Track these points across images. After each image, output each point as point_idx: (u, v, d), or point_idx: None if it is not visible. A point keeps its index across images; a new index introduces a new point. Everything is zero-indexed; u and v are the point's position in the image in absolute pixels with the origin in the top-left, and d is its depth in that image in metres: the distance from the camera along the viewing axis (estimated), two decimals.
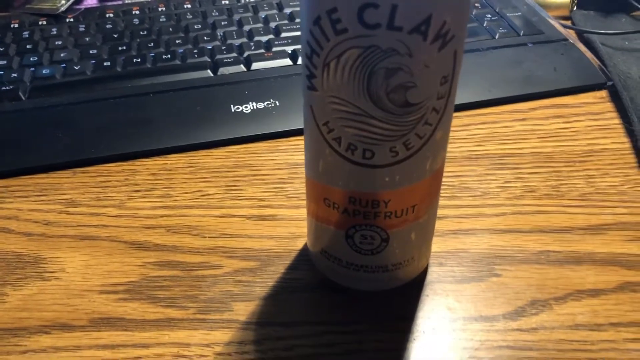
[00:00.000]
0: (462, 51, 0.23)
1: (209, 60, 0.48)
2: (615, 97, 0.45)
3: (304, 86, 0.25)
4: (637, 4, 0.54)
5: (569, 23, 0.54)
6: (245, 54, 0.48)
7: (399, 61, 0.21)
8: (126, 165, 0.41)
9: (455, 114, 0.37)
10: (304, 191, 0.38)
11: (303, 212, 0.37)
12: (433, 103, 0.23)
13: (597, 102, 0.45)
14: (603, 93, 0.46)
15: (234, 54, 0.48)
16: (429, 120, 0.24)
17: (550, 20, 0.52)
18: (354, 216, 0.27)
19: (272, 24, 0.52)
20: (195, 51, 0.49)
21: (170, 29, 0.52)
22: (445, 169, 0.39)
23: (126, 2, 0.58)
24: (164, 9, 0.55)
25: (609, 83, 0.46)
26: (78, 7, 0.56)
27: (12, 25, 0.53)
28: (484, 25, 0.51)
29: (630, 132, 0.42)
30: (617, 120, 0.43)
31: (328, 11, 0.21)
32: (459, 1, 0.21)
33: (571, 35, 0.51)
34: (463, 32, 0.23)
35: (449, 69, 0.23)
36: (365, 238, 0.28)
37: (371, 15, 0.20)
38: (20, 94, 0.45)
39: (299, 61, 0.48)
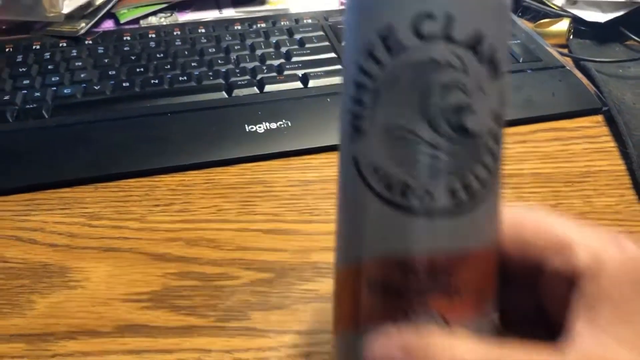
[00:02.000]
0: (505, 112, 0.22)
1: (224, 82, 0.50)
2: (611, 122, 0.47)
3: (344, 142, 0.23)
4: (630, 34, 0.57)
5: (566, 51, 0.57)
6: (258, 77, 0.51)
7: (456, 77, 0.21)
8: (146, 181, 0.42)
9: None
10: (316, 207, 0.40)
11: (315, 227, 0.39)
12: (489, 143, 0.22)
13: (594, 126, 0.47)
14: (599, 117, 0.48)
15: (247, 77, 0.51)
16: (487, 163, 0.22)
17: (548, 48, 0.55)
18: (408, 297, 0.22)
19: (283, 49, 0.54)
20: (210, 73, 0.51)
21: (186, 52, 0.54)
22: None
23: (142, 25, 0.61)
24: (179, 32, 0.57)
25: (605, 108, 0.48)
26: (96, 29, 0.59)
27: (34, 47, 0.55)
28: None
29: (625, 154, 0.44)
30: (612, 144, 0.46)
31: (381, 32, 0.21)
32: (505, 31, 0.22)
33: (568, 62, 0.54)
34: (508, 76, 0.22)
35: (501, 108, 0.22)
36: None
37: (427, 26, 0.20)
38: (44, 112, 0.47)
39: (310, 84, 0.50)
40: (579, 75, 0.52)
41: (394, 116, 0.21)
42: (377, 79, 0.21)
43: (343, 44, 0.24)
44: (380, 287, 0.23)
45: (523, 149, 0.45)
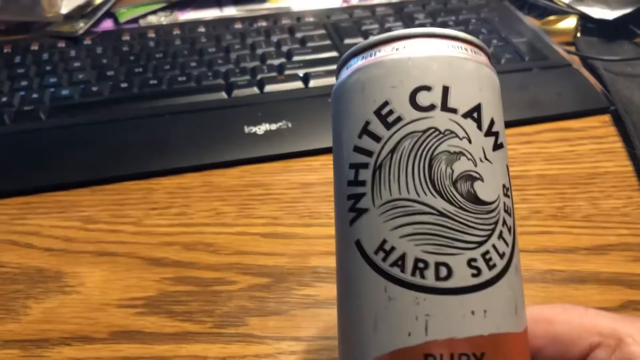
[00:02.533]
0: (509, 184, 0.22)
1: (223, 82, 0.49)
2: (618, 122, 0.46)
3: (343, 226, 0.21)
4: (639, 32, 0.56)
5: (573, 49, 0.56)
6: (258, 77, 0.50)
7: (460, 145, 0.20)
8: (143, 183, 0.42)
9: None
10: (316, 210, 0.39)
11: (315, 231, 0.38)
12: (502, 214, 0.21)
13: (601, 126, 0.46)
14: (606, 117, 0.47)
15: (248, 77, 0.50)
16: (503, 235, 0.20)
17: (554, 46, 0.54)
18: None
19: (284, 48, 0.54)
20: (209, 74, 0.50)
21: (185, 52, 0.53)
22: None
23: (142, 25, 0.60)
24: (178, 32, 0.57)
25: (612, 108, 0.47)
26: (95, 30, 0.58)
27: (32, 48, 0.54)
28: (490, 50, 0.53)
29: (632, 155, 0.43)
30: (619, 144, 0.45)
31: (378, 109, 0.21)
32: (498, 105, 0.22)
33: (575, 61, 0.53)
34: (506, 150, 0.22)
35: (506, 179, 0.21)
36: None
37: (424, 97, 0.20)
38: (41, 114, 0.46)
39: (311, 84, 0.49)
40: (586, 73, 0.51)
41: (399, 189, 0.20)
42: (377, 154, 0.21)
43: (333, 132, 0.23)
44: None
45: (528, 150, 0.44)
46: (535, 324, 0.22)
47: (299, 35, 0.55)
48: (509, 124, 0.46)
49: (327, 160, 0.43)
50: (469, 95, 0.21)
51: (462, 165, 0.20)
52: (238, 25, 0.57)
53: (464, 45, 0.22)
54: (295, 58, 0.52)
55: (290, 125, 0.45)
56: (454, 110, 0.20)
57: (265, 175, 0.42)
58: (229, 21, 0.58)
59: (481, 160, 0.20)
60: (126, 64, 0.52)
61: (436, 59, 0.21)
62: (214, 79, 0.50)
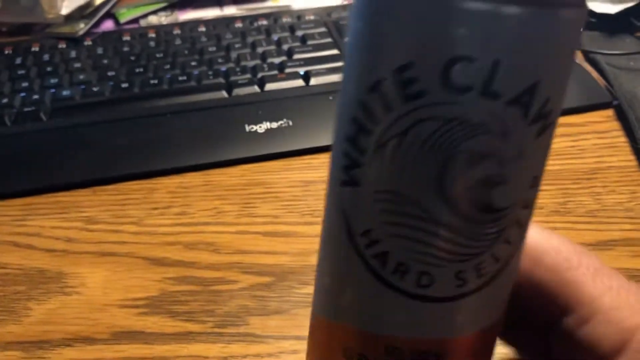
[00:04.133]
0: (542, 171, 0.18)
1: (224, 81, 0.49)
2: (621, 116, 0.46)
3: (333, 183, 0.18)
4: None
5: None
6: (259, 75, 0.50)
7: (490, 143, 0.16)
8: (144, 183, 0.42)
9: None
10: (317, 208, 0.39)
11: (316, 229, 0.37)
12: (517, 213, 0.17)
13: (603, 120, 0.46)
14: (609, 112, 0.47)
15: (248, 76, 0.50)
16: (510, 237, 0.18)
17: None
18: None
19: (285, 46, 0.53)
20: (210, 73, 0.50)
21: (186, 52, 0.53)
22: None
23: (142, 25, 0.60)
24: (179, 32, 0.57)
25: (615, 102, 0.47)
26: (96, 30, 0.58)
27: (32, 49, 0.54)
28: None
29: (636, 150, 0.43)
30: (623, 139, 0.44)
31: (398, 69, 0.15)
32: (565, 67, 0.17)
33: (577, 55, 0.52)
34: (559, 114, 0.17)
35: (541, 168, 0.17)
36: None
37: (462, 74, 0.15)
38: (42, 114, 0.46)
39: (312, 82, 0.49)
40: (589, 68, 0.50)
41: (400, 182, 0.16)
42: (384, 128, 0.16)
43: (345, 54, 0.17)
44: (357, 356, 0.19)
45: None
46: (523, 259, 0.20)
47: (299, 33, 0.55)
48: None
49: (328, 158, 0.43)
50: (525, 71, 0.15)
51: (484, 169, 0.16)
52: (238, 24, 0.57)
53: None
54: (296, 56, 0.52)
55: (291, 123, 0.45)
56: (497, 96, 0.15)
57: (266, 173, 0.42)
58: (229, 20, 0.58)
59: (513, 159, 0.16)
60: (127, 64, 0.52)
61: (496, 17, 0.15)
62: (215, 78, 0.50)
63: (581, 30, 0.16)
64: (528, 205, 0.18)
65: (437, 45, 0.15)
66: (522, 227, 0.18)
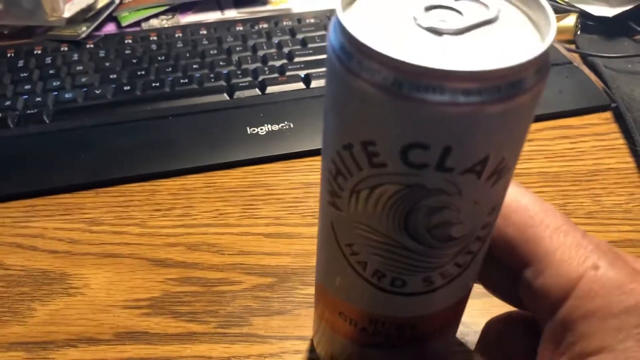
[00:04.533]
0: (512, 177, 0.20)
1: (225, 84, 0.50)
2: (620, 119, 0.46)
3: (323, 198, 0.21)
4: (639, 29, 0.56)
5: (573, 47, 0.56)
6: (260, 78, 0.50)
7: (446, 200, 0.18)
8: (147, 185, 0.42)
9: None
10: (319, 210, 0.39)
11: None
12: (477, 232, 0.20)
13: (602, 123, 0.47)
14: (607, 114, 0.47)
15: (249, 78, 0.50)
16: (471, 248, 0.21)
17: (554, 44, 0.54)
18: (374, 336, 0.24)
19: (285, 49, 0.54)
20: (211, 76, 0.50)
21: (187, 54, 0.54)
22: None
23: (144, 28, 0.60)
24: (180, 35, 0.57)
25: (613, 104, 0.47)
26: (98, 33, 0.58)
27: (35, 52, 0.55)
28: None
29: (634, 152, 0.43)
30: (621, 141, 0.45)
31: (363, 142, 0.18)
32: (521, 133, 0.18)
33: (575, 58, 0.53)
34: (517, 160, 0.19)
35: (500, 199, 0.20)
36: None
37: (418, 156, 0.17)
38: (45, 117, 0.47)
39: (312, 85, 0.49)
40: (587, 71, 0.51)
41: (371, 220, 0.19)
42: (356, 181, 0.19)
43: (325, 97, 0.19)
44: (351, 321, 0.24)
45: (530, 148, 0.44)
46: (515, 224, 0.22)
47: (299, 36, 0.56)
48: None
49: None
50: (475, 150, 0.17)
51: (442, 216, 0.19)
52: (239, 27, 0.58)
53: (486, 84, 0.16)
54: (297, 59, 0.52)
55: (292, 125, 0.45)
56: (450, 170, 0.17)
57: (268, 175, 0.43)
58: (230, 23, 0.58)
59: (468, 207, 0.19)
60: (129, 66, 0.52)
61: (448, 108, 0.16)
62: (216, 81, 0.50)
63: (537, 101, 0.17)
64: (488, 224, 0.20)
65: (393, 132, 0.17)
66: (483, 240, 0.21)
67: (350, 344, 0.26)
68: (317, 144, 0.44)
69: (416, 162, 0.17)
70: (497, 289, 0.25)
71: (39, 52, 0.55)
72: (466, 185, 0.18)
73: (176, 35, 0.57)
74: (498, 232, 0.22)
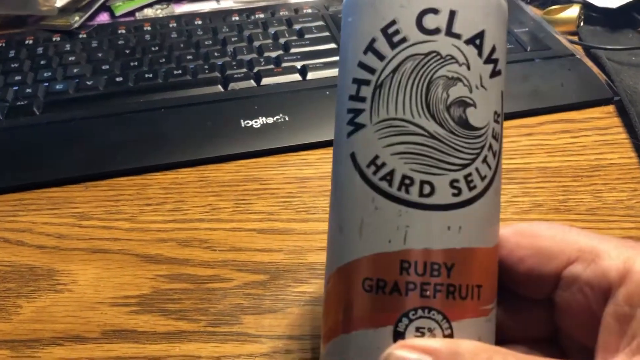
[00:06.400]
0: (501, 110, 0.23)
1: (220, 75, 0.49)
2: (622, 112, 0.45)
3: (341, 138, 0.23)
4: None
5: (575, 39, 0.55)
6: (255, 70, 0.49)
7: (458, 71, 0.22)
8: (138, 179, 0.41)
9: None
10: (313, 205, 0.39)
11: (312, 226, 0.37)
12: (490, 139, 0.22)
13: (604, 117, 0.46)
14: (610, 108, 0.46)
15: (244, 70, 0.49)
16: (487, 159, 0.22)
17: (557, 36, 0.53)
18: (406, 294, 0.21)
19: (282, 40, 0.53)
20: (205, 67, 0.49)
21: (181, 45, 0.53)
22: None
23: (138, 18, 0.59)
24: (175, 25, 0.56)
25: (616, 98, 0.46)
26: (91, 23, 0.57)
27: (26, 42, 0.54)
28: None
29: (637, 146, 0.42)
30: (624, 135, 0.44)
31: (385, 27, 0.22)
32: (503, 33, 0.23)
33: (578, 50, 0.51)
34: (505, 76, 0.23)
35: (499, 106, 0.23)
36: (421, 333, 0.21)
37: (431, 20, 0.21)
38: (35, 109, 0.46)
39: (309, 76, 0.48)
40: (590, 63, 0.50)
41: (395, 109, 0.22)
42: (379, 72, 0.22)
43: (340, 46, 0.24)
44: (378, 286, 0.22)
45: (530, 142, 0.43)
46: (522, 237, 0.24)
47: (296, 27, 0.55)
48: (509, 116, 0.45)
49: (324, 154, 0.43)
50: (474, 21, 0.22)
51: (457, 91, 0.22)
52: (235, 18, 0.57)
53: None
54: (293, 50, 0.51)
55: (287, 118, 0.44)
56: (458, 36, 0.21)
57: (262, 169, 0.42)
58: (225, 13, 0.57)
59: (477, 87, 0.22)
60: (121, 57, 0.51)
61: None
62: (210, 72, 0.49)
63: (504, 1, 0.23)
64: (496, 137, 0.23)
65: (410, 4, 0.22)
66: (495, 155, 0.23)
67: (379, 335, 0.21)
68: (312, 137, 0.43)
69: (430, 27, 0.21)
70: (522, 315, 0.25)
71: (31, 42, 0.54)
72: (472, 59, 0.22)
73: (170, 25, 0.56)
74: (529, 246, 0.24)
